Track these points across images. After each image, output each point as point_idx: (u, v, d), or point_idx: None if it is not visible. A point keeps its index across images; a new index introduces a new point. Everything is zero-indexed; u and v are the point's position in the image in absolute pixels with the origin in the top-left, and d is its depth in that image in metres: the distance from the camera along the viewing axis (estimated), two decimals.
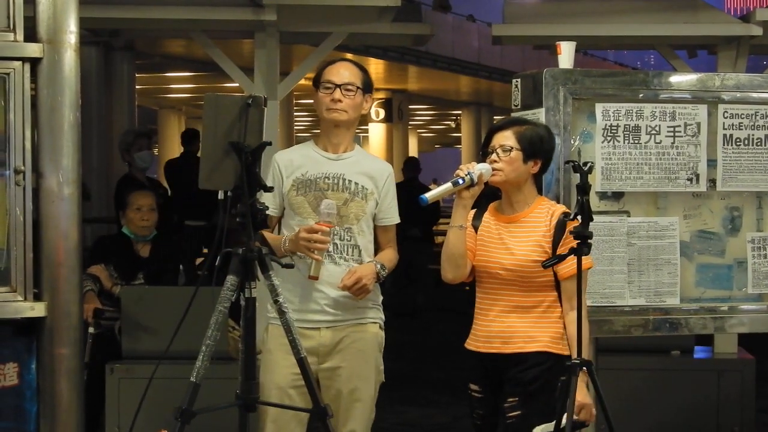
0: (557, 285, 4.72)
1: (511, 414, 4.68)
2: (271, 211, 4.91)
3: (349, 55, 24.50)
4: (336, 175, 4.90)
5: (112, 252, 7.17)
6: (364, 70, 4.99)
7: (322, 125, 5.00)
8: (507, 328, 4.74)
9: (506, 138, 4.74)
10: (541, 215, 4.74)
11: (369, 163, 5.03)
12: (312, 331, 4.84)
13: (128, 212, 7.24)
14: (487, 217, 4.90)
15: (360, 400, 4.93)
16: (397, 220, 5.08)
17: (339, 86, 4.88)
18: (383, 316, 5.10)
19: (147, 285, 7.07)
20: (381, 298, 5.10)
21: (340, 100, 4.87)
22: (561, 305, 4.72)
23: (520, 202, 4.79)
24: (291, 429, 4.85)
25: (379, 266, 4.92)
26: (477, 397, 4.85)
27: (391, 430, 8.60)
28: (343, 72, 4.92)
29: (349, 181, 4.91)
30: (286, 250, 4.79)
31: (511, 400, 4.69)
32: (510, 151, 4.70)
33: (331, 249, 4.84)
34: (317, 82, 4.96)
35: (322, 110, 4.91)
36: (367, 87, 4.98)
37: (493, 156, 4.74)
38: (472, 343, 4.86)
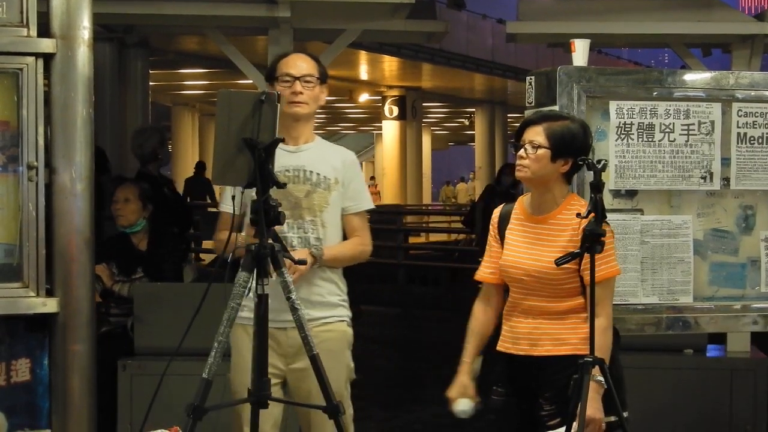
0: (584, 289, 4.59)
1: (551, 423, 4.59)
2: (230, 210, 4.67)
3: (363, 53, 24.65)
4: (297, 167, 4.81)
5: (112, 249, 7.20)
6: (318, 60, 4.94)
7: (279, 119, 4.87)
8: (534, 329, 4.64)
9: (536, 134, 4.59)
10: (570, 216, 4.58)
11: (331, 153, 4.96)
12: (278, 332, 4.71)
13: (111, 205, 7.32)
14: (515, 213, 4.77)
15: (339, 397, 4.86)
16: (365, 206, 5.00)
17: (298, 78, 4.82)
18: (350, 313, 5.03)
19: (146, 279, 7.09)
20: (346, 290, 5.03)
21: (300, 93, 4.81)
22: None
23: (548, 201, 4.65)
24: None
25: (313, 248, 4.79)
26: (497, 399, 4.77)
27: (404, 428, 8.62)
28: (300, 64, 4.86)
29: (311, 172, 4.84)
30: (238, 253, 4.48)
31: (548, 408, 4.60)
32: (538, 148, 4.57)
33: (296, 243, 4.80)
34: (271, 76, 4.89)
35: (282, 104, 4.82)
36: (324, 77, 4.93)
37: (521, 152, 4.62)
38: (501, 344, 4.77)
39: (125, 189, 7.37)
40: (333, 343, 4.87)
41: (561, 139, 4.58)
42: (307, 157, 4.86)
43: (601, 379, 4.44)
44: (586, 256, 4.46)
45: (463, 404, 4.77)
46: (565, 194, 4.68)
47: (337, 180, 4.89)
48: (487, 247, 4.86)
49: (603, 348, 4.49)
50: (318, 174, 4.86)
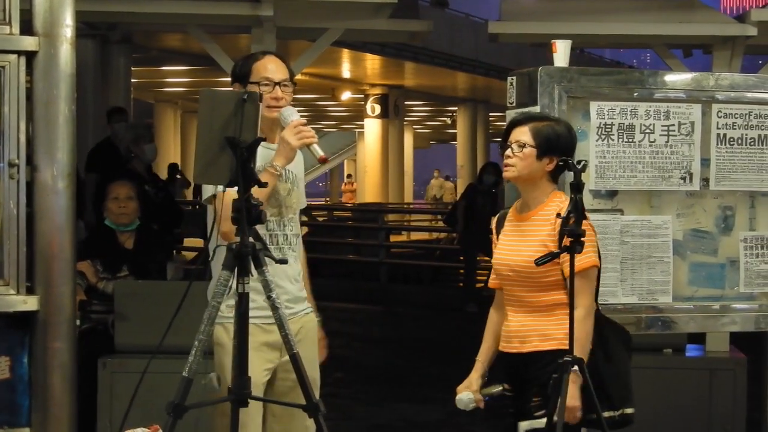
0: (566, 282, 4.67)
1: (536, 414, 4.66)
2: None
3: (345, 51, 24.64)
4: None
5: (97, 246, 7.19)
6: (287, 62, 4.94)
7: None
8: (522, 327, 4.73)
9: (522, 133, 4.70)
10: (550, 213, 4.66)
11: None
12: (274, 326, 4.59)
13: (107, 203, 7.29)
14: (509, 215, 4.89)
15: (316, 387, 4.89)
16: (305, 202, 5.09)
17: (278, 83, 4.81)
18: None
19: (132, 277, 7.09)
20: None
21: (281, 98, 4.81)
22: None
23: (535, 199, 4.74)
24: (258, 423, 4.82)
25: (319, 317, 5.06)
26: (508, 395, 4.87)
27: (386, 426, 8.62)
28: (277, 68, 4.82)
29: (288, 170, 4.84)
30: (279, 165, 4.62)
31: (535, 399, 4.68)
32: (524, 147, 4.68)
33: (281, 241, 4.82)
34: (244, 78, 4.82)
35: (261, 107, 4.78)
36: (293, 79, 4.95)
37: (508, 151, 4.72)
38: (501, 344, 4.89)
39: (126, 186, 7.37)
40: (313, 333, 4.98)
41: (546, 138, 4.68)
42: None
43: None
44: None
45: (463, 395, 4.87)
46: (550, 192, 4.76)
47: (300, 179, 4.95)
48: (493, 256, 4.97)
49: (579, 339, 4.56)
50: (292, 172, 4.89)
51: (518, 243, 4.73)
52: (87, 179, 9.87)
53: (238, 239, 4.19)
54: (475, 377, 4.91)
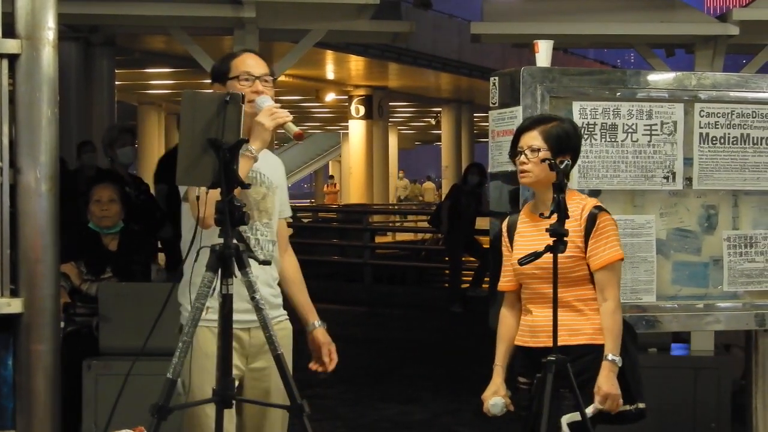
0: (593, 277, 4.75)
1: (567, 405, 4.69)
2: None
3: (329, 52, 24.63)
4: (254, 169, 4.69)
5: (81, 248, 7.18)
6: (265, 59, 4.90)
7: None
8: (550, 322, 4.72)
9: (533, 138, 4.75)
10: (573, 210, 4.69)
11: (269, 157, 4.91)
12: (242, 332, 4.67)
13: (90, 205, 7.29)
14: (522, 218, 4.91)
15: (285, 399, 4.84)
16: (289, 212, 5.03)
17: (258, 78, 4.74)
18: None
19: (116, 279, 7.08)
20: None
21: (262, 92, 4.78)
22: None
23: (552, 200, 4.72)
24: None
25: (324, 325, 5.02)
26: (525, 389, 4.88)
27: (371, 426, 8.62)
28: (257, 63, 4.77)
29: (264, 175, 4.80)
30: (255, 148, 4.55)
31: (568, 395, 4.69)
32: (538, 151, 4.72)
33: (252, 244, 4.77)
34: (224, 76, 4.76)
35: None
36: (274, 76, 4.92)
37: (522, 158, 4.76)
38: (520, 339, 4.91)
39: (108, 189, 7.36)
40: (286, 341, 4.88)
41: (557, 139, 4.75)
42: (259, 160, 4.79)
43: (615, 358, 4.65)
44: (590, 242, 4.69)
45: (497, 401, 4.90)
46: (566, 191, 4.78)
47: (278, 185, 4.90)
48: (503, 259, 4.99)
49: (612, 330, 4.68)
50: (268, 178, 4.83)
51: (542, 242, 4.69)
52: (156, 190, 9.97)
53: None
54: (499, 381, 4.94)
